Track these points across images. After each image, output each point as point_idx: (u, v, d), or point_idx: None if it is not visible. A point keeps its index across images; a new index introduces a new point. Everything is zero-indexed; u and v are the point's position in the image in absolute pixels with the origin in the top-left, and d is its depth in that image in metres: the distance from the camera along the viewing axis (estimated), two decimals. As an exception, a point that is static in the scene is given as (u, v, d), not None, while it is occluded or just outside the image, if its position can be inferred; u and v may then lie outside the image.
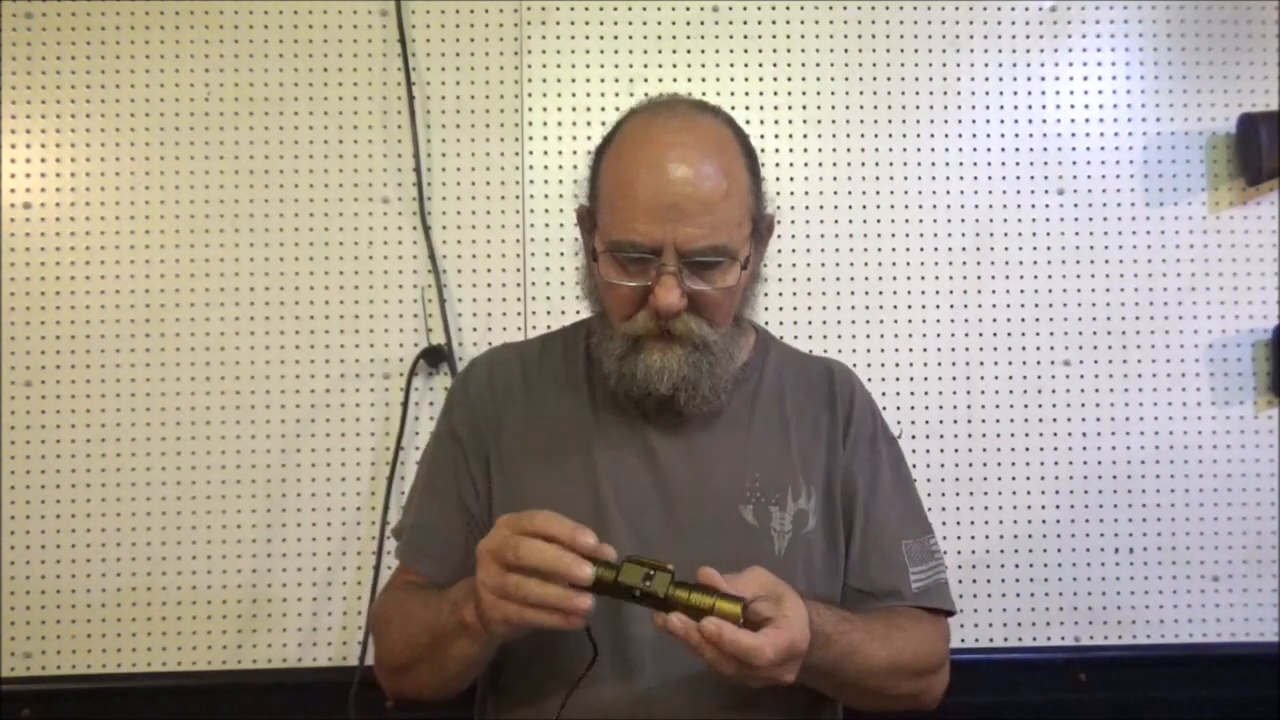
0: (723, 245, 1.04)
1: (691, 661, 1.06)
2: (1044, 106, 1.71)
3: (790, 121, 1.70)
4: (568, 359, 1.20)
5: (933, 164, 1.70)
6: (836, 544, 1.14)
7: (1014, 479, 1.68)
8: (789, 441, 1.15)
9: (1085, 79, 1.72)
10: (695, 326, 1.06)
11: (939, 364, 1.68)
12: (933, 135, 1.70)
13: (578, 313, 1.60)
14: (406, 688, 1.11)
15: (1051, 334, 1.70)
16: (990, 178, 1.71)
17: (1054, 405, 1.69)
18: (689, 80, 1.69)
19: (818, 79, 1.70)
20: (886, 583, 1.13)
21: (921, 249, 1.69)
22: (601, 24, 1.69)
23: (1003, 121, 1.71)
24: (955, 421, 1.68)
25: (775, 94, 1.70)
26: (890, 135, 1.70)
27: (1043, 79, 1.71)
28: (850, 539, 1.15)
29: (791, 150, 1.70)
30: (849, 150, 1.70)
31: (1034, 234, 1.70)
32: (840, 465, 1.15)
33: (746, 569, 0.96)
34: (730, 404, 1.15)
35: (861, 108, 1.70)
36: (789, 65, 1.70)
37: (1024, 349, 1.69)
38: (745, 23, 1.70)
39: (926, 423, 1.68)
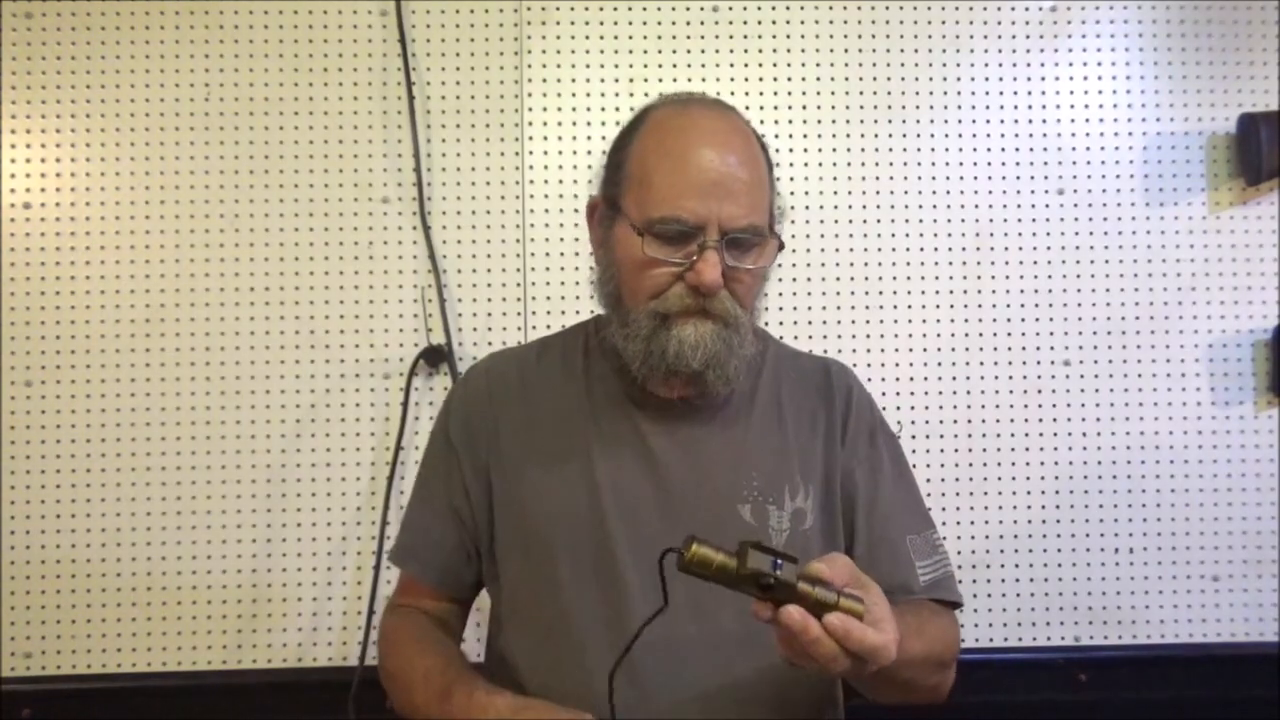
0: (760, 226, 1.06)
1: (696, 666, 1.06)
2: (1044, 106, 1.71)
3: (790, 121, 1.70)
4: (566, 361, 1.20)
5: (933, 164, 1.70)
6: (836, 542, 1.14)
7: (1014, 479, 1.68)
8: (786, 440, 1.15)
9: (1085, 79, 1.72)
10: (730, 305, 1.06)
11: (939, 364, 1.68)
12: (933, 135, 1.70)
13: (577, 313, 1.60)
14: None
15: (1051, 334, 1.70)
16: (990, 178, 1.71)
17: (1054, 405, 1.69)
18: (689, 80, 1.69)
19: (818, 79, 1.70)
20: (895, 578, 1.12)
21: (921, 249, 1.69)
22: (601, 24, 1.69)
23: (1003, 121, 1.71)
24: (955, 421, 1.68)
25: (775, 94, 1.70)
26: (890, 135, 1.70)
27: (1043, 79, 1.71)
28: (853, 536, 1.14)
29: (791, 150, 1.70)
30: (849, 150, 1.70)
31: (1034, 234, 1.70)
32: (839, 462, 1.15)
33: (829, 555, 0.94)
34: (729, 402, 1.15)
35: (862, 108, 1.70)
36: (789, 65, 1.70)
37: (1024, 349, 1.69)
38: (745, 23, 1.70)
39: (926, 423, 1.68)
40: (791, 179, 1.69)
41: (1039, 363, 1.69)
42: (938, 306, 1.69)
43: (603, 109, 1.67)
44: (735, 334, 1.07)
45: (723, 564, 0.88)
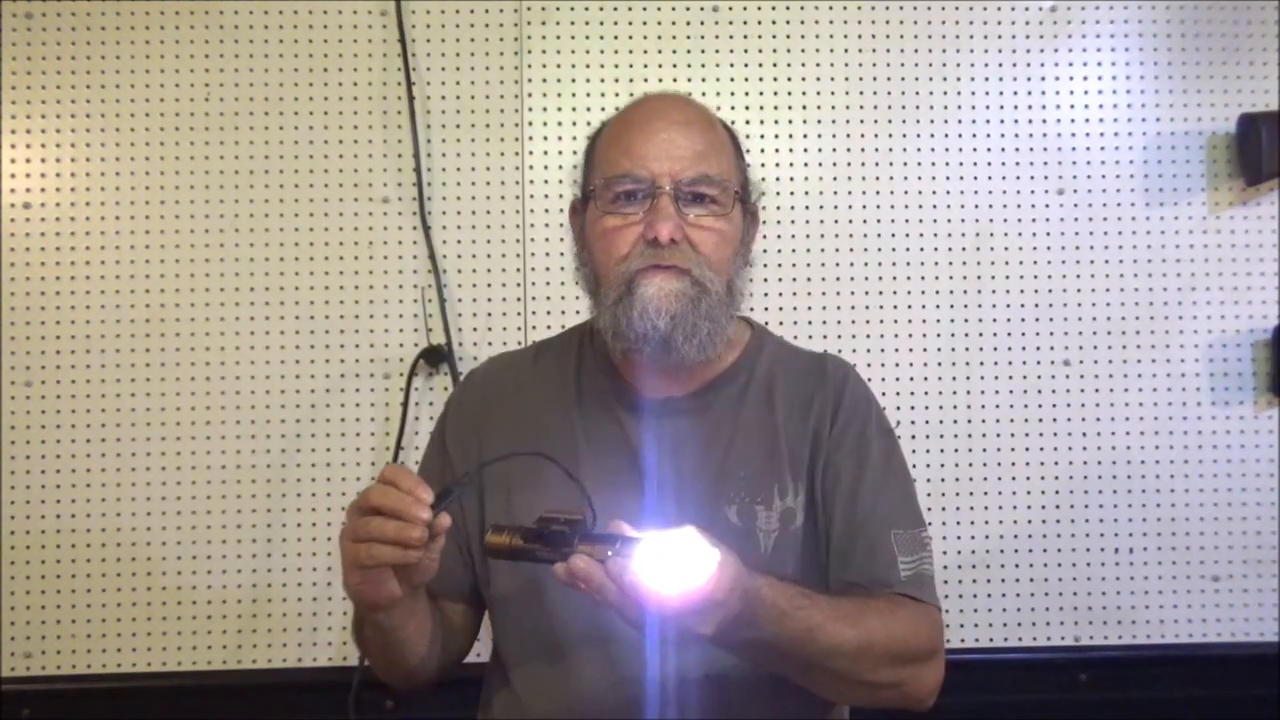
0: (715, 176, 1.08)
1: (686, 657, 1.05)
2: (1044, 106, 1.71)
3: (790, 121, 1.70)
4: (560, 363, 1.20)
5: (933, 164, 1.70)
6: (823, 539, 1.12)
7: (1014, 479, 1.68)
8: (777, 439, 1.13)
9: (1085, 79, 1.72)
10: (692, 256, 1.07)
11: (939, 364, 1.68)
12: (933, 135, 1.70)
13: (578, 313, 1.60)
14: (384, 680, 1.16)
15: (1051, 334, 1.70)
16: (990, 178, 1.71)
17: (1054, 405, 1.69)
18: (689, 80, 1.68)
19: (818, 79, 1.70)
20: (873, 573, 1.08)
21: (921, 249, 1.69)
22: (601, 24, 1.69)
23: (1003, 121, 1.71)
24: (954, 421, 1.68)
25: (775, 94, 1.70)
26: (890, 135, 1.70)
27: (1043, 79, 1.71)
28: (831, 526, 1.11)
29: (792, 150, 1.70)
30: (849, 150, 1.70)
31: (1034, 234, 1.70)
32: (823, 452, 1.13)
33: (677, 529, 0.90)
34: (717, 400, 1.14)
35: (861, 107, 1.70)
36: (789, 65, 1.70)
37: (1024, 349, 1.69)
38: (745, 23, 1.70)
39: (926, 422, 1.68)
40: (792, 179, 1.69)
41: (1039, 363, 1.69)
42: (938, 306, 1.69)
43: (603, 109, 1.67)
44: (705, 295, 1.07)
45: (508, 543, 0.92)
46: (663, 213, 1.05)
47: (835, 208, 1.69)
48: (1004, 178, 1.71)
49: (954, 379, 1.69)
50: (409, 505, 0.91)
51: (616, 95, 1.67)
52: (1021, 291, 1.70)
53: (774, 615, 0.93)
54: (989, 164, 1.71)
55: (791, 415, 1.15)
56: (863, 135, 1.70)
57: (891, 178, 1.70)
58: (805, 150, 1.70)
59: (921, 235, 1.69)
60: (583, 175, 1.16)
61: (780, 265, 1.67)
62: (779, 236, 1.67)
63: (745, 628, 0.91)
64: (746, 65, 1.70)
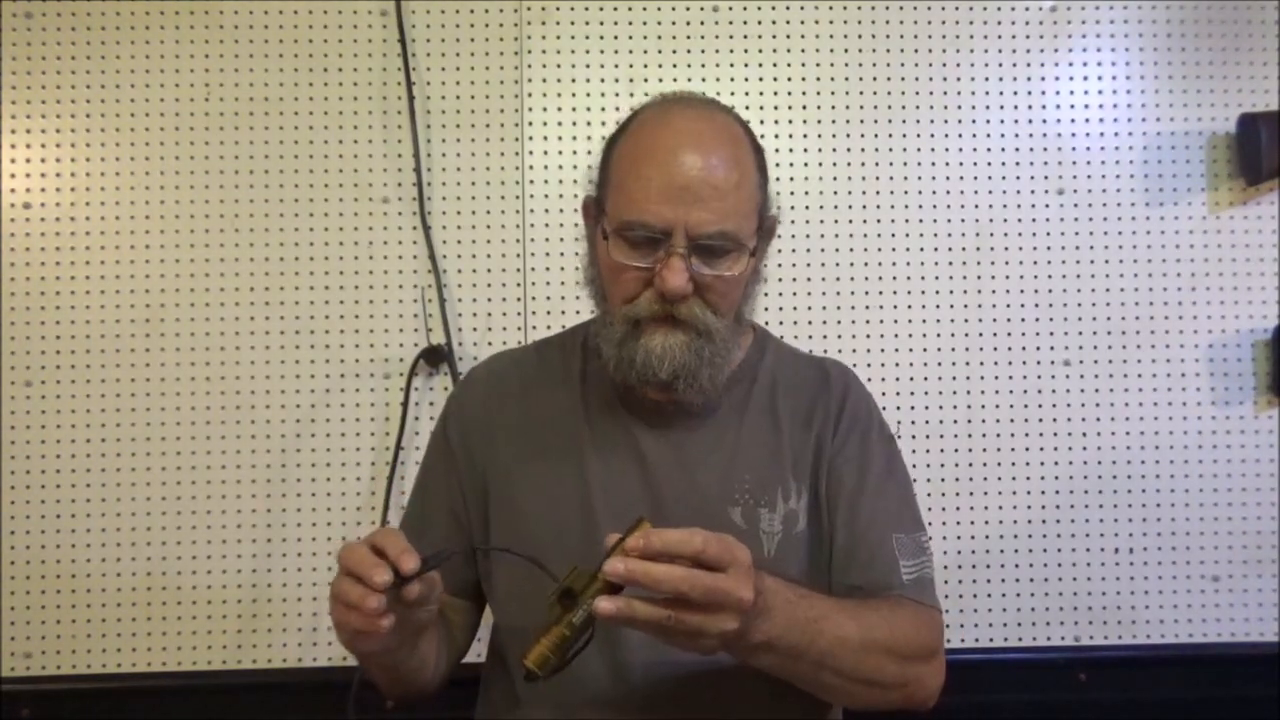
0: (732, 232, 1.04)
1: (681, 658, 1.05)
2: (1044, 106, 1.71)
3: (790, 121, 1.70)
4: (563, 363, 1.20)
5: (933, 164, 1.70)
6: (825, 542, 1.13)
7: (1014, 479, 1.68)
8: (780, 442, 1.14)
9: (1085, 79, 1.72)
10: (700, 312, 1.05)
11: (939, 364, 1.68)
12: (933, 135, 1.70)
13: (578, 313, 1.60)
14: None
15: (1051, 334, 1.70)
16: (990, 178, 1.71)
17: (1054, 405, 1.69)
18: (689, 80, 1.69)
19: (818, 79, 1.70)
20: (876, 577, 1.09)
21: (921, 249, 1.69)
22: (601, 24, 1.69)
23: (1003, 121, 1.71)
24: (954, 421, 1.68)
25: (775, 94, 1.70)
26: (890, 135, 1.70)
27: (1043, 79, 1.71)
28: (834, 531, 1.12)
29: (791, 150, 1.70)
30: (849, 150, 1.70)
31: (1034, 234, 1.70)
32: (825, 458, 1.14)
33: (689, 529, 0.90)
34: (722, 405, 1.14)
35: (862, 108, 1.70)
36: (789, 65, 1.70)
37: (1024, 349, 1.69)
38: (745, 23, 1.70)
39: (926, 422, 1.68)
40: (792, 179, 1.69)
41: (1039, 363, 1.69)
42: (938, 306, 1.69)
43: (603, 109, 1.67)
44: (709, 344, 1.06)
45: (545, 643, 0.88)
46: (675, 272, 1.02)
47: (835, 208, 1.69)
48: (1004, 178, 1.71)
49: (954, 379, 1.69)
50: (368, 570, 0.88)
51: (616, 95, 1.68)
52: (1021, 291, 1.70)
53: (781, 603, 0.94)
54: (989, 164, 1.71)
55: (795, 420, 1.15)
56: (863, 135, 1.70)
57: (891, 178, 1.70)
58: (805, 150, 1.70)
59: (921, 235, 1.69)
60: (599, 175, 1.13)
61: (780, 265, 1.67)
62: (779, 236, 1.66)
63: (758, 618, 0.91)
64: (746, 65, 1.70)
